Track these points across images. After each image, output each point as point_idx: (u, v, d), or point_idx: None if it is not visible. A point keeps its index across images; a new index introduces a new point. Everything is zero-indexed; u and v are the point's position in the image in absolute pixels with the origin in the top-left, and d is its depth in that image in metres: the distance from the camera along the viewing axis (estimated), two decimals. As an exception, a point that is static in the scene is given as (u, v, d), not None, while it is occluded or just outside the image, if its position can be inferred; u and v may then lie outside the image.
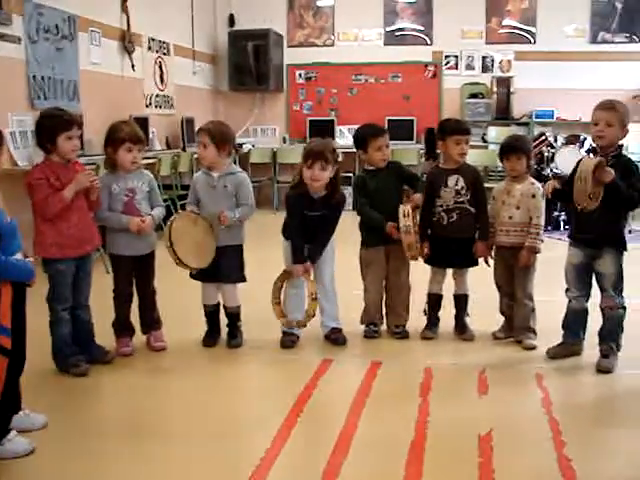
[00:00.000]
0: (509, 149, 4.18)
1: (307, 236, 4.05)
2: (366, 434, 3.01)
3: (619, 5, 10.04)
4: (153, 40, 8.72)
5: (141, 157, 3.97)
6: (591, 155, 3.59)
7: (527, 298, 4.15)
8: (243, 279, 4.13)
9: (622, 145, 3.77)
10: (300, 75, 10.67)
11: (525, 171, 4.16)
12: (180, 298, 4.61)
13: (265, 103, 10.76)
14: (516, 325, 4.20)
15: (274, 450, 2.85)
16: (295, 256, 4.04)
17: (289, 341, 4.13)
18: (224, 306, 4.18)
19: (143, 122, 7.44)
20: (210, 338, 4.18)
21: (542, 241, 4.10)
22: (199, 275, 4.02)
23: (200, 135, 4.01)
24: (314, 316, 4.08)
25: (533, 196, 4.08)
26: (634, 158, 8.94)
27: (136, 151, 3.88)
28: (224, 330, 4.22)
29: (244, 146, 10.08)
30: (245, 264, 4.12)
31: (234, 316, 4.17)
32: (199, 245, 3.92)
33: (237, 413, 3.30)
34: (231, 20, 10.62)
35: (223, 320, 4.22)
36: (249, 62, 10.14)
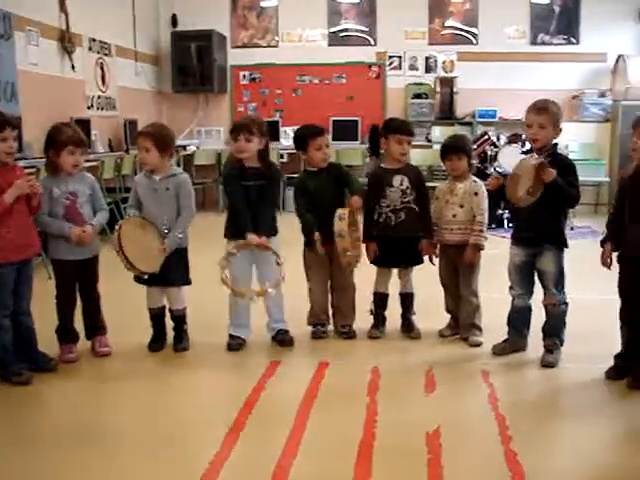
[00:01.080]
0: (450, 149, 4.22)
1: (249, 208, 4.01)
2: (315, 435, 3.01)
3: (557, 8, 10.24)
4: (94, 40, 8.58)
5: (83, 160, 3.90)
6: (535, 155, 3.63)
7: (472, 295, 4.19)
8: (188, 282, 4.08)
9: (557, 144, 3.83)
10: (244, 76, 10.62)
11: (467, 170, 4.20)
12: (125, 302, 4.54)
13: (209, 104, 10.68)
14: (462, 322, 4.24)
15: (223, 453, 2.83)
16: (244, 225, 3.99)
17: (236, 344, 4.10)
18: (170, 309, 4.13)
19: (85, 124, 7.32)
20: (156, 342, 4.12)
21: (486, 238, 4.15)
22: (144, 279, 3.96)
23: (141, 139, 3.94)
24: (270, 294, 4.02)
25: (476, 194, 4.13)
26: (573, 157, 9.19)
27: (78, 154, 3.81)
28: (170, 334, 4.17)
29: (188, 148, 10.01)
30: (190, 267, 4.08)
31: (180, 319, 4.13)
32: (149, 249, 3.86)
33: (185, 417, 3.26)
34: (174, 21, 10.51)
35: (169, 324, 4.17)
36: (192, 63, 10.07)
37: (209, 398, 3.53)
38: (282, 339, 4.16)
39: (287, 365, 3.88)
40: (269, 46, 10.56)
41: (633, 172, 3.51)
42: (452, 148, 4.21)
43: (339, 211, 3.96)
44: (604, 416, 3.23)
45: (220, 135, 10.56)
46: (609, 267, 3.60)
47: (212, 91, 10.30)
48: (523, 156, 4.01)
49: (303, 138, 4.24)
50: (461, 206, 4.16)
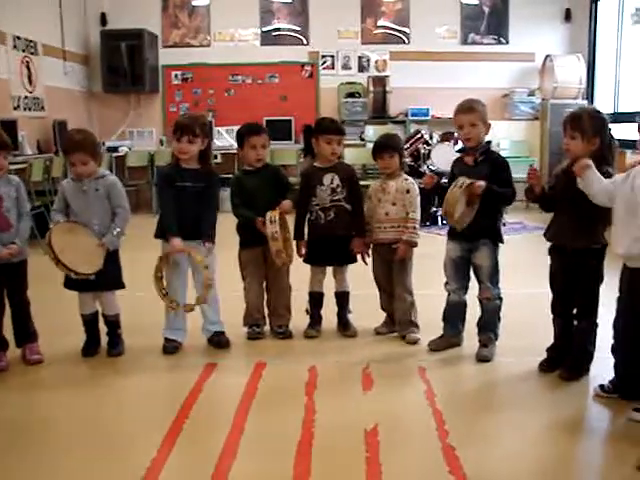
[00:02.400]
0: (381, 148, 4.24)
1: (184, 210, 3.94)
2: (253, 436, 2.99)
3: (487, 9, 10.42)
4: (19, 39, 8.35)
5: (7, 163, 3.78)
6: (463, 179, 3.67)
7: (406, 293, 4.21)
8: (121, 285, 4.00)
9: (490, 141, 3.90)
10: (176, 76, 10.49)
11: (398, 168, 4.22)
12: (56, 307, 4.43)
13: (141, 105, 10.52)
14: (398, 320, 4.26)
15: (160, 458, 2.78)
16: (168, 230, 3.92)
17: (171, 347, 4.04)
18: (103, 314, 4.04)
19: (11, 125, 7.13)
20: (89, 348, 4.02)
21: (418, 235, 4.17)
22: (75, 284, 3.86)
23: (77, 155, 3.77)
24: (205, 302, 3.97)
25: (407, 191, 4.15)
26: (505, 154, 9.35)
27: (2, 157, 3.70)
28: (104, 339, 4.08)
29: (120, 149, 9.84)
30: (122, 270, 4.00)
31: (114, 324, 4.04)
32: (86, 250, 3.76)
33: (121, 423, 3.19)
34: (103, 19, 10.31)
35: (102, 328, 4.08)
36: (123, 63, 9.89)
37: (145, 403, 3.46)
38: (218, 341, 4.12)
39: (224, 367, 3.84)
40: (201, 46, 10.46)
41: (566, 167, 3.58)
42: (383, 146, 4.23)
43: (269, 214, 3.94)
44: (538, 407, 3.29)
45: (152, 136, 10.42)
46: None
47: (144, 91, 10.16)
48: (456, 154, 4.08)
49: (241, 135, 4.23)
50: (393, 204, 4.18)
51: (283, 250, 3.98)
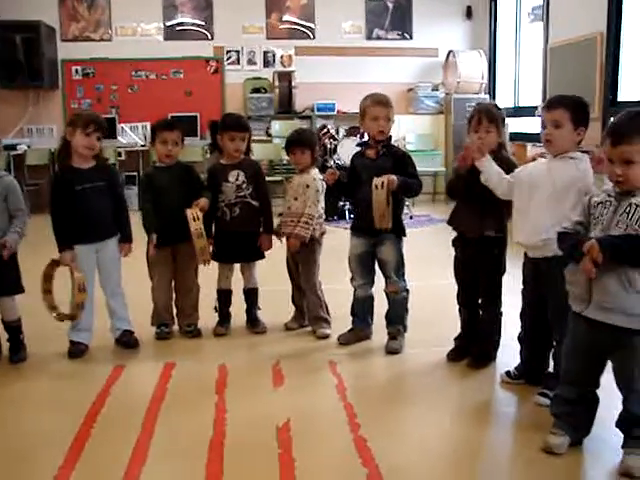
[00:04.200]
0: (293, 143, 4.23)
1: (90, 212, 3.84)
2: (164, 438, 2.93)
3: (390, 5, 10.54)
4: None
5: None
6: (375, 180, 3.69)
7: (313, 288, 4.22)
8: (21, 290, 3.85)
9: (391, 136, 3.93)
10: (77, 71, 10.17)
11: (310, 164, 4.22)
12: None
13: (40, 101, 10.14)
14: (309, 315, 4.28)
15: (67, 467, 2.68)
16: (58, 241, 3.81)
17: (77, 350, 3.92)
18: (2, 320, 3.88)
19: None
20: (-11, 354, 3.87)
21: (310, 230, 4.11)
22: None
23: None
24: (83, 308, 3.83)
25: (307, 186, 4.14)
26: (410, 148, 9.50)
27: None
28: (5, 345, 3.92)
29: (18, 147, 9.49)
30: (21, 273, 3.85)
31: (15, 329, 3.88)
32: None
33: (25, 431, 3.05)
34: (-6, 9, 9.89)
35: (3, 335, 3.93)
36: (19, 57, 9.45)
37: (50, 409, 3.33)
38: (127, 341, 4.02)
39: (132, 368, 3.76)
40: (102, 40, 10.17)
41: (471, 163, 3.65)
42: (296, 142, 4.23)
43: (189, 211, 3.88)
44: (447, 396, 3.35)
45: (53, 133, 10.07)
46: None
47: (42, 87, 9.78)
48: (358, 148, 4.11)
49: (153, 131, 4.17)
50: (295, 198, 4.19)
51: (206, 247, 3.94)
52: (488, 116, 3.51)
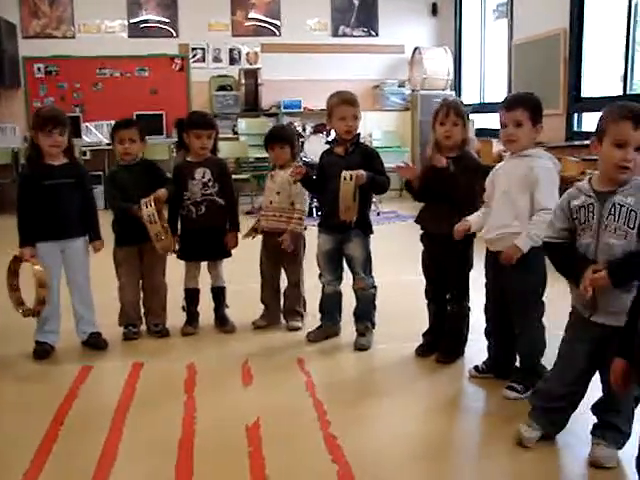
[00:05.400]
0: (273, 139, 4.24)
1: (59, 209, 3.79)
2: (133, 438, 2.90)
3: (356, 2, 10.55)
4: None
5: None
6: (346, 172, 3.68)
7: (296, 282, 4.26)
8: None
9: (359, 133, 3.94)
10: (39, 69, 10.01)
11: (290, 160, 4.21)
12: None
13: (1, 100, 9.99)
14: (286, 308, 4.32)
15: (34, 470, 2.64)
16: (20, 236, 3.76)
17: (43, 351, 3.86)
18: (-35, 321, 3.83)
19: None
20: (-48, 357, 3.81)
21: (303, 226, 4.21)
22: None
23: None
24: (44, 303, 3.74)
25: (295, 182, 4.15)
26: (377, 144, 9.52)
27: None
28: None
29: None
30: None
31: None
32: None
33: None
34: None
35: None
36: (-23, 53, 9.32)
37: (16, 411, 3.28)
38: (95, 343, 3.97)
39: (100, 369, 3.71)
40: (65, 37, 10.03)
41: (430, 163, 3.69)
42: (275, 137, 4.24)
43: (143, 200, 3.86)
44: (417, 391, 3.36)
45: (15, 133, 9.91)
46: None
47: (3, 85, 9.61)
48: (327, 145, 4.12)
49: (112, 130, 4.15)
50: (278, 193, 4.19)
51: (162, 233, 3.90)
52: (455, 110, 3.53)
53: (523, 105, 3.12)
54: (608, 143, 2.47)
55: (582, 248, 2.57)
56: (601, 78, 7.25)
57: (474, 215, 3.37)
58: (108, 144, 9.46)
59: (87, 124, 9.72)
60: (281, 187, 4.19)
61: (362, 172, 3.66)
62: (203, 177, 4.11)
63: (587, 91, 7.32)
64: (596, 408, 2.71)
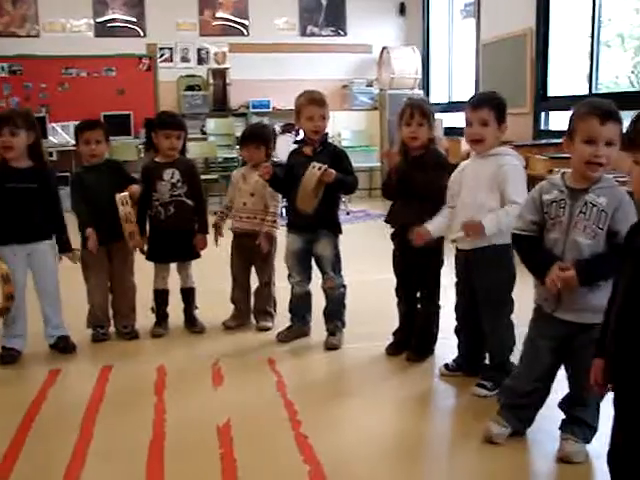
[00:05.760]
0: (247, 138, 4.24)
1: (19, 214, 3.73)
2: (103, 442, 2.87)
3: (324, 1, 10.55)
4: None
5: None
6: (314, 163, 3.68)
7: (268, 282, 4.26)
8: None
9: (327, 133, 3.95)
10: (3, 68, 9.84)
11: (264, 160, 4.18)
12: None
13: (-36, 100, 9.85)
14: (256, 308, 4.31)
15: (3, 473, 2.61)
16: None
17: (9, 356, 3.80)
18: None
19: None
20: None
21: (277, 228, 4.20)
22: None
23: None
24: (12, 299, 3.68)
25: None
26: (346, 144, 9.54)
27: None
28: None
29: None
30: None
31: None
32: None
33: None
34: None
35: None
36: (-62, 53, 9.15)
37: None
38: (64, 346, 3.92)
39: (68, 372, 3.68)
40: (29, 36, 9.86)
41: (402, 156, 3.70)
42: (250, 136, 4.24)
43: (119, 195, 3.83)
44: (387, 390, 3.37)
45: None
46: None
47: (-34, 85, 9.51)
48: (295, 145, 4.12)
49: (75, 131, 4.12)
50: (252, 195, 4.18)
51: (136, 231, 3.88)
52: (420, 110, 3.54)
53: (490, 104, 3.15)
54: (579, 140, 2.50)
55: (549, 243, 2.60)
56: (567, 77, 7.32)
57: (436, 220, 3.38)
58: (75, 145, 9.38)
59: (53, 125, 9.59)
60: (255, 189, 4.17)
61: (332, 171, 3.66)
62: (172, 178, 4.09)
63: (554, 90, 7.38)
64: (564, 404, 2.75)
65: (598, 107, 2.49)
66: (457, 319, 3.46)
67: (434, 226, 3.35)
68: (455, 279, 3.40)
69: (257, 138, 4.21)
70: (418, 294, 3.72)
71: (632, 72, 6.75)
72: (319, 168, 3.61)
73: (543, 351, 2.69)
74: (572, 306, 2.55)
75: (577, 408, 2.68)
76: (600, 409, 2.65)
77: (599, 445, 2.49)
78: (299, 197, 3.65)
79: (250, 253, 4.23)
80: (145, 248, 4.10)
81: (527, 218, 2.67)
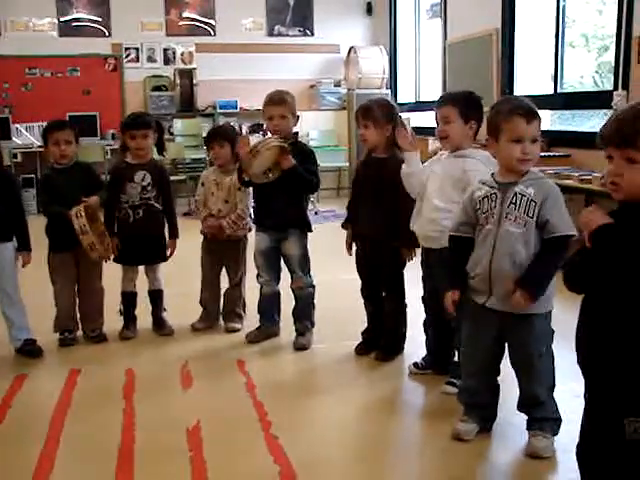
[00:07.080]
0: (212, 137, 4.24)
1: None
2: (71, 445, 2.86)
3: (291, 1, 10.54)
4: None
5: None
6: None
7: (238, 283, 4.26)
8: None
9: (297, 132, 3.95)
10: (-36, 68, 9.74)
11: (230, 160, 4.18)
12: None
13: None
14: (225, 309, 4.30)
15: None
16: None
17: (-28, 362, 3.77)
18: None
19: None
20: None
21: (238, 227, 4.15)
22: None
23: None
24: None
25: (240, 188, 4.12)
26: (314, 144, 9.54)
27: None
28: None
29: None
30: None
31: None
32: None
33: None
34: None
35: None
36: None
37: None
38: (30, 350, 3.88)
39: (35, 377, 3.64)
40: (-9, 35, 9.77)
41: (364, 159, 3.74)
42: (214, 136, 4.24)
43: (73, 210, 3.77)
44: (357, 389, 3.39)
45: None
46: (350, 249, 3.78)
47: None
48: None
49: (44, 133, 4.06)
50: (226, 201, 4.18)
51: (96, 243, 3.83)
52: (363, 113, 3.62)
53: (451, 102, 3.18)
54: (504, 140, 2.57)
55: (483, 234, 2.65)
56: (533, 77, 7.39)
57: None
58: (40, 146, 9.26)
59: (17, 125, 9.46)
60: (229, 195, 4.17)
61: (290, 157, 3.67)
62: (143, 180, 4.06)
63: (520, 90, 7.44)
64: (521, 407, 2.79)
65: (521, 107, 2.57)
66: (425, 313, 3.49)
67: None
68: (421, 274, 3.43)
69: (220, 137, 4.21)
70: (383, 294, 3.74)
71: (596, 72, 6.83)
72: (281, 141, 3.65)
73: (480, 346, 2.76)
74: (503, 294, 2.60)
75: (535, 409, 2.73)
76: (554, 397, 2.72)
77: (569, 440, 2.51)
78: (247, 157, 3.62)
79: (221, 253, 4.22)
80: (115, 253, 4.05)
81: (457, 220, 2.79)
